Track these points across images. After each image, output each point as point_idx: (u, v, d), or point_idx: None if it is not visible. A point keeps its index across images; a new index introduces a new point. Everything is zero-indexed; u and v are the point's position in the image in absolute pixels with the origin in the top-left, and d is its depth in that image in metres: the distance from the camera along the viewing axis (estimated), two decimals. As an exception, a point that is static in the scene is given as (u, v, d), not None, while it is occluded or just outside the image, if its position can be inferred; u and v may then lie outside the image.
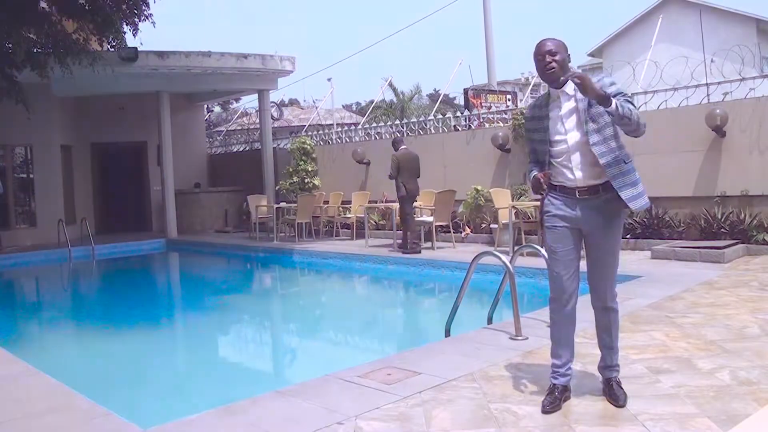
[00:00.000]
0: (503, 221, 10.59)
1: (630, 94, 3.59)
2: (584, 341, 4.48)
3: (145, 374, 6.03)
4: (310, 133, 17.55)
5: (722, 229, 9.31)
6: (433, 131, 14.25)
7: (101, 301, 10.89)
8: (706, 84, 10.26)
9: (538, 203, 7.55)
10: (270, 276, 13.25)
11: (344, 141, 16.31)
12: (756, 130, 9.41)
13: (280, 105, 24.83)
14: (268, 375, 6.44)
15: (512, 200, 10.93)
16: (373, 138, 15.59)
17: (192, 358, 6.90)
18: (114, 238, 16.13)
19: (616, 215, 3.55)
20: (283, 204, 14.73)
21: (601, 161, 3.41)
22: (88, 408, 3.81)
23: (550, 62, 3.45)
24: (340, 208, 14.56)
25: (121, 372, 6.05)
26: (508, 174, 12.23)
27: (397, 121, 15.69)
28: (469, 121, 13.90)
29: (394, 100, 29.05)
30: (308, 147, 15.92)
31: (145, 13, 12.44)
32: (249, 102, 27.21)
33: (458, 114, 14.50)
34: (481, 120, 13.99)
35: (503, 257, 5.15)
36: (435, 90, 38.68)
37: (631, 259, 8.92)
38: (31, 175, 16.16)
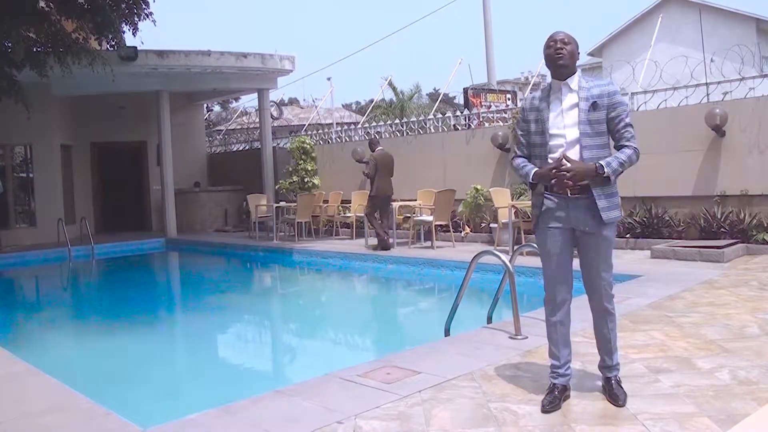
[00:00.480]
0: (503, 220, 10.60)
1: (627, 105, 3.61)
2: (583, 340, 4.49)
3: (145, 374, 6.03)
4: (309, 132, 17.55)
5: (722, 229, 9.32)
6: (432, 130, 14.25)
7: (101, 300, 10.89)
8: (706, 83, 10.26)
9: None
10: (270, 275, 13.25)
11: (344, 140, 16.31)
12: (755, 130, 9.42)
13: (280, 104, 24.79)
14: (268, 374, 6.44)
15: (512, 199, 10.94)
16: (372, 137, 15.57)
17: (192, 358, 6.91)
18: (114, 237, 16.12)
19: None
20: (282, 203, 14.74)
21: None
22: (88, 408, 3.81)
23: (561, 48, 3.47)
24: (340, 208, 14.56)
25: (121, 371, 6.04)
26: (507, 173, 12.22)
27: (397, 121, 15.68)
28: (468, 120, 13.90)
29: (394, 99, 29.00)
30: (308, 146, 15.92)
31: (144, 11, 12.44)
32: (248, 101, 27.19)
33: (458, 113, 14.50)
34: (481, 119, 13.99)
35: (503, 256, 5.15)
36: (435, 89, 38.67)
37: (630, 259, 8.92)
38: (31, 175, 16.14)
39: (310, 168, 15.86)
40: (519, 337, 4.93)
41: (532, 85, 19.98)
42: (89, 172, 18.22)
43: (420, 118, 14.87)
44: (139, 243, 15.71)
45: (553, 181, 3.41)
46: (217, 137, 22.74)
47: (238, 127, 24.37)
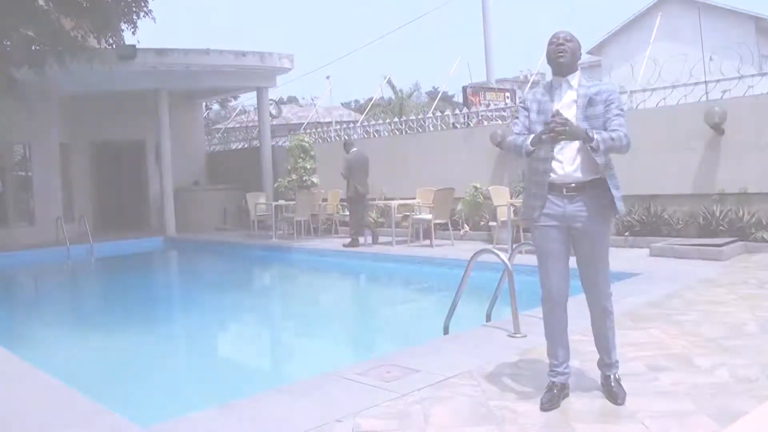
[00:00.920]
0: (502, 219, 10.60)
1: (623, 104, 3.58)
2: (582, 339, 4.48)
3: (144, 372, 6.03)
4: (308, 130, 17.55)
5: (721, 227, 9.32)
6: (431, 129, 14.25)
7: (100, 299, 10.89)
8: (705, 82, 10.26)
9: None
10: (269, 274, 13.25)
11: (343, 139, 16.29)
12: (754, 128, 9.42)
13: (279, 103, 24.81)
14: (267, 373, 6.44)
15: (511, 198, 10.93)
16: (371, 136, 15.58)
17: (191, 356, 6.91)
18: (113, 235, 16.09)
19: (604, 214, 3.53)
20: (281, 202, 14.73)
21: (598, 160, 3.41)
22: (87, 407, 3.81)
23: (563, 45, 3.48)
24: (339, 206, 14.55)
25: (121, 370, 6.04)
26: (506, 172, 12.22)
27: (396, 119, 15.67)
28: (467, 118, 13.89)
29: (393, 97, 29.03)
30: (307, 145, 15.89)
31: (144, 10, 12.42)
32: (247, 100, 27.19)
33: (457, 112, 14.50)
34: (480, 118, 13.99)
35: (502, 255, 5.16)
36: (434, 88, 38.65)
37: (629, 257, 8.93)
38: (30, 173, 16.13)
39: (309, 166, 15.80)
40: (518, 335, 4.93)
41: (531, 84, 19.96)
42: (88, 171, 18.21)
43: (419, 117, 14.88)
44: (138, 241, 15.70)
45: (549, 128, 3.32)
46: (216, 136, 22.73)
47: (237, 125, 24.36)
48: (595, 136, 3.32)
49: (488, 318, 5.62)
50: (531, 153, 3.48)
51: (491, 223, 11.44)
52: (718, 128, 9.58)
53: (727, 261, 8.23)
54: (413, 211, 12.04)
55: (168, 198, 16.22)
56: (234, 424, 3.43)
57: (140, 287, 11.53)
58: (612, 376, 3.59)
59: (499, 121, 13.28)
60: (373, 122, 16.48)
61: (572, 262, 3.61)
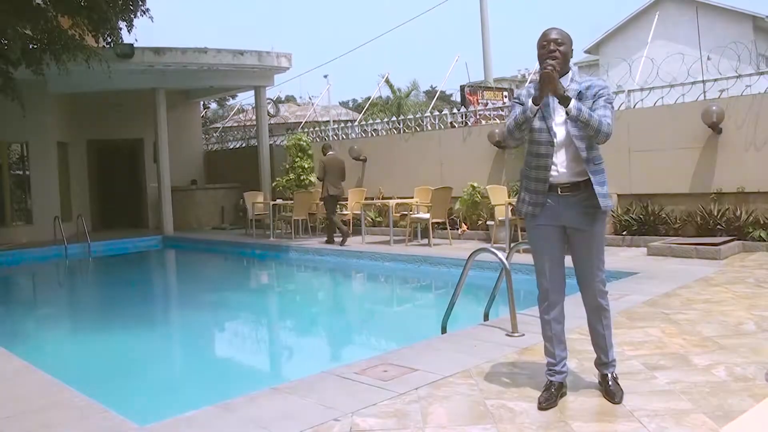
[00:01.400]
0: (500, 218, 10.60)
1: (613, 99, 3.56)
2: (580, 337, 4.49)
3: (142, 371, 6.03)
4: (306, 129, 17.53)
5: (718, 226, 9.34)
6: (429, 128, 14.25)
7: (97, 297, 10.88)
8: (703, 81, 10.27)
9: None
10: (266, 273, 13.25)
11: (341, 138, 16.30)
12: (752, 127, 9.43)
13: (277, 102, 24.75)
14: (264, 372, 6.44)
15: (509, 197, 10.94)
16: (369, 135, 15.58)
17: (188, 355, 6.91)
18: (110, 234, 16.09)
19: (598, 213, 3.52)
20: (279, 201, 14.72)
21: (583, 155, 3.42)
22: (85, 405, 3.80)
23: (554, 50, 3.43)
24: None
25: (118, 368, 6.04)
26: (504, 171, 12.23)
27: (394, 118, 15.67)
28: (465, 117, 13.90)
29: (391, 96, 28.99)
30: (304, 144, 15.90)
31: (141, 8, 12.39)
32: (245, 99, 27.16)
33: (455, 111, 14.50)
34: (478, 117, 13.98)
35: (500, 254, 5.16)
36: (432, 87, 38.62)
37: (627, 256, 8.94)
38: (27, 172, 16.10)
39: (306, 165, 15.82)
40: (516, 334, 4.93)
41: (529, 83, 19.96)
42: (86, 170, 18.19)
43: (417, 116, 14.86)
44: (136, 241, 15.70)
45: (542, 67, 3.38)
46: (214, 135, 22.71)
47: (235, 124, 24.36)
48: (572, 101, 3.33)
49: (486, 317, 5.62)
50: (535, 112, 3.45)
51: (489, 223, 11.45)
52: (715, 127, 9.59)
53: (724, 260, 8.24)
54: (411, 211, 12.04)
55: (166, 197, 16.20)
56: (231, 422, 3.42)
57: (137, 286, 11.53)
58: (609, 375, 3.60)
59: (497, 121, 13.29)
60: (371, 121, 16.48)
61: (568, 260, 3.61)
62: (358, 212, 13.14)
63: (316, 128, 17.51)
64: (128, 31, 12.73)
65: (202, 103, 23.36)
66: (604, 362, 3.63)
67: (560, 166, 3.48)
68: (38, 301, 11.05)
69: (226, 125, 24.50)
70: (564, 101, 3.34)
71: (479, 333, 5.12)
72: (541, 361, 3.84)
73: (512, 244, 7.67)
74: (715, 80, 10.22)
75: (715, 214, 9.45)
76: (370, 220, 13.75)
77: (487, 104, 14.85)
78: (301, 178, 15.68)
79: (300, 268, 12.41)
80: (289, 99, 37.70)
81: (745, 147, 9.48)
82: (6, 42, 11.47)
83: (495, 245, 9.59)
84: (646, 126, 10.38)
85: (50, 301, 10.69)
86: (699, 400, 3.45)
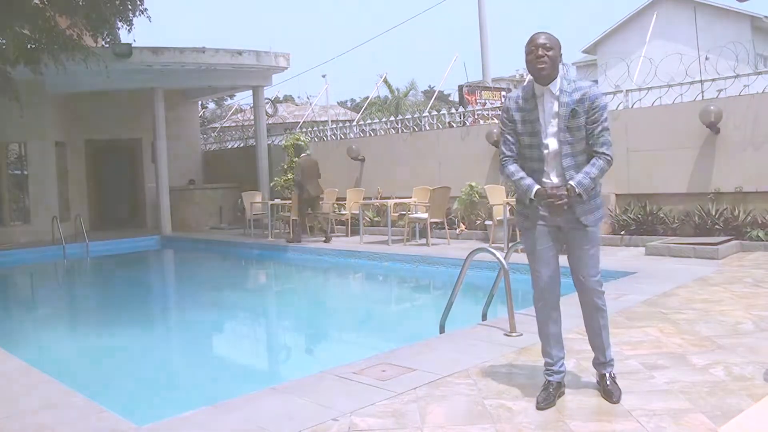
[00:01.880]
0: (498, 218, 10.61)
1: (607, 109, 3.56)
2: (578, 337, 4.49)
3: (140, 371, 6.02)
4: (304, 129, 17.52)
5: (716, 226, 9.34)
6: (427, 128, 14.24)
7: (95, 298, 10.86)
8: (701, 81, 10.27)
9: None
10: (264, 272, 13.25)
11: (339, 137, 16.30)
12: (750, 127, 9.43)
13: (275, 101, 24.73)
14: (262, 372, 6.44)
15: (507, 197, 10.94)
16: (367, 134, 15.58)
17: (186, 355, 6.90)
18: (108, 234, 16.07)
19: (594, 213, 3.53)
20: (277, 201, 14.71)
21: (567, 174, 3.44)
22: (83, 405, 3.80)
23: (543, 56, 3.39)
24: (335, 205, 14.54)
25: (116, 369, 6.04)
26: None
27: (392, 118, 15.66)
28: (463, 117, 13.90)
29: (389, 96, 29.00)
30: (303, 143, 15.88)
31: (139, 8, 12.39)
32: (243, 98, 27.16)
33: (453, 110, 14.50)
34: (476, 116, 13.98)
35: (498, 254, 5.16)
36: (430, 86, 38.67)
37: (625, 256, 8.94)
38: (25, 172, 16.09)
39: (305, 165, 15.80)
40: (514, 334, 4.93)
41: (527, 83, 19.96)
42: (84, 170, 18.16)
43: (415, 116, 14.86)
44: (134, 240, 15.68)
45: (548, 202, 3.44)
46: (212, 134, 22.68)
47: (233, 124, 24.31)
48: (578, 190, 3.38)
49: (484, 317, 5.62)
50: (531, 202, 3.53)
51: (487, 222, 11.44)
52: (713, 127, 9.59)
53: (722, 260, 8.24)
54: (409, 210, 12.04)
55: (164, 197, 16.18)
56: (229, 422, 3.42)
57: (135, 286, 11.52)
58: (607, 375, 3.60)
59: (495, 120, 13.27)
60: (369, 121, 16.47)
61: (564, 260, 3.61)
62: (357, 212, 13.13)
63: (315, 128, 17.50)
64: (128, 31, 12.76)
65: (200, 102, 23.34)
66: (602, 362, 3.63)
67: (553, 174, 3.49)
68: (36, 301, 11.04)
69: (224, 125, 24.46)
70: (577, 198, 3.42)
71: (477, 333, 5.12)
72: (539, 360, 3.84)
73: (510, 244, 7.67)
74: (713, 80, 10.22)
75: (713, 213, 9.46)
76: (369, 219, 13.74)
77: (485, 104, 14.85)
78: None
79: (298, 267, 12.41)
80: (288, 99, 37.68)
81: (743, 147, 9.49)
82: (4, 41, 11.45)
83: (493, 245, 9.59)
84: (644, 126, 10.39)
85: (48, 301, 10.67)
86: (697, 400, 3.45)
